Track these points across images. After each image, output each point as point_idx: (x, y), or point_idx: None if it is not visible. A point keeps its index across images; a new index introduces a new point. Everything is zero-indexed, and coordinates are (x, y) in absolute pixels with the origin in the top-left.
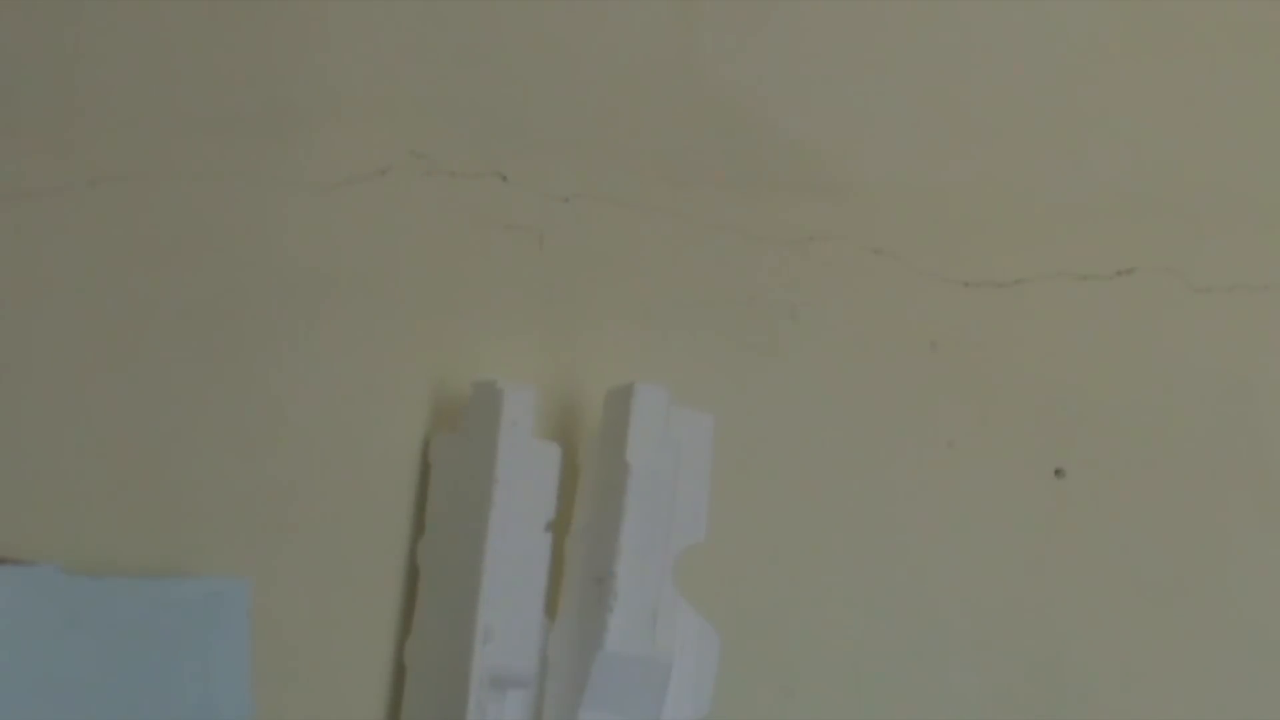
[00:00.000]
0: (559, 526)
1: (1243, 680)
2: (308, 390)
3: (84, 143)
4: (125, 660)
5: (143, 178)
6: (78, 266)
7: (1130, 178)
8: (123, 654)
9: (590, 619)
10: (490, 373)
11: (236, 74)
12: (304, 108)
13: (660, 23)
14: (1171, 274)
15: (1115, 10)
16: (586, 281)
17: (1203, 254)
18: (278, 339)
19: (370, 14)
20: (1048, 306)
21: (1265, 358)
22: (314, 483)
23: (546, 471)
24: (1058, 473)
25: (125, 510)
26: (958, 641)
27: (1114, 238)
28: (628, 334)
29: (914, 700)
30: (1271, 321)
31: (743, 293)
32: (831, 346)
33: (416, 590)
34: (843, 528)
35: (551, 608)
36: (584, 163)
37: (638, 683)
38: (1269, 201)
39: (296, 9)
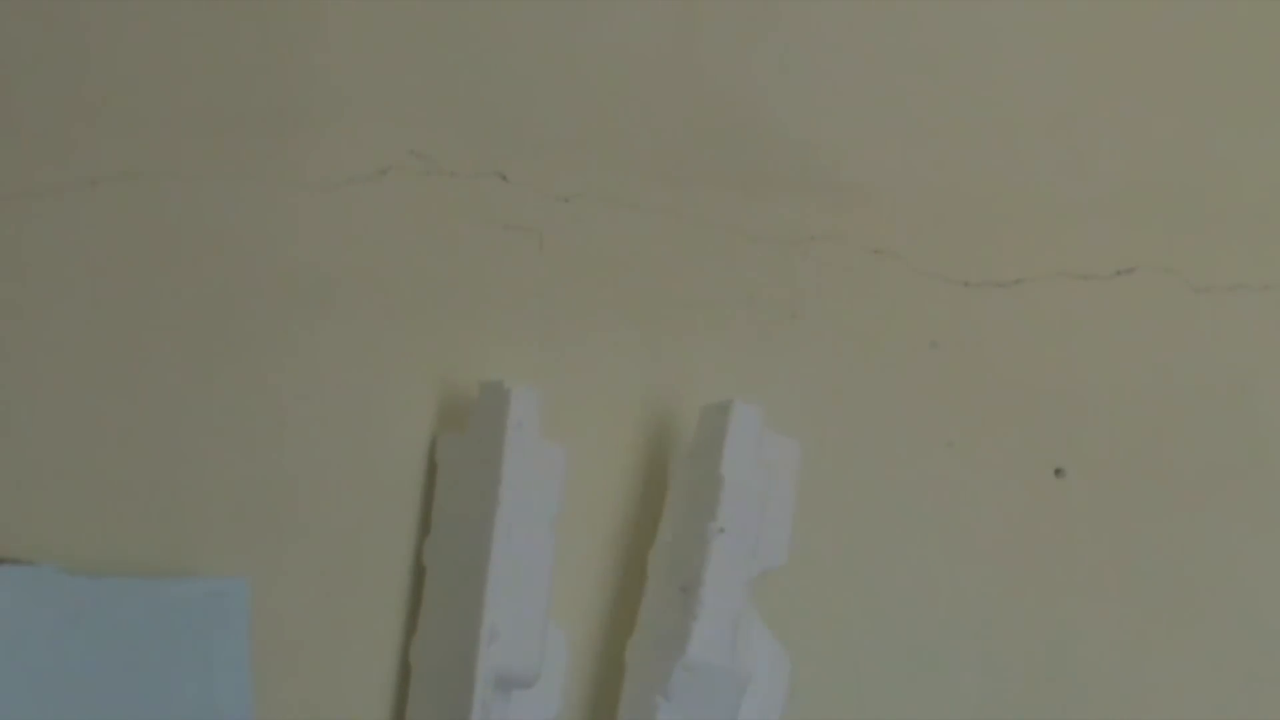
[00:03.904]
0: (573, 529)
1: (1242, 680)
2: (309, 390)
3: (84, 142)
4: (125, 660)
5: (143, 177)
6: (78, 266)
7: (1130, 178)
8: (123, 654)
9: (673, 626)
10: (490, 373)
11: (237, 74)
12: (304, 108)
13: (660, 23)
14: (1171, 274)
15: (1115, 10)
16: (587, 281)
17: (1203, 254)
18: (279, 339)
19: (370, 14)
20: (1048, 306)
21: (1265, 358)
22: (318, 483)
23: (552, 472)
24: (1058, 473)
25: (125, 510)
26: (958, 641)
27: (1114, 238)
28: (627, 334)
29: (914, 700)
30: (1271, 321)
31: (743, 293)
32: (831, 347)
33: (422, 590)
34: (841, 527)
35: (556, 608)
36: (584, 163)
37: (716, 692)
38: (1269, 201)
39: (296, 9)
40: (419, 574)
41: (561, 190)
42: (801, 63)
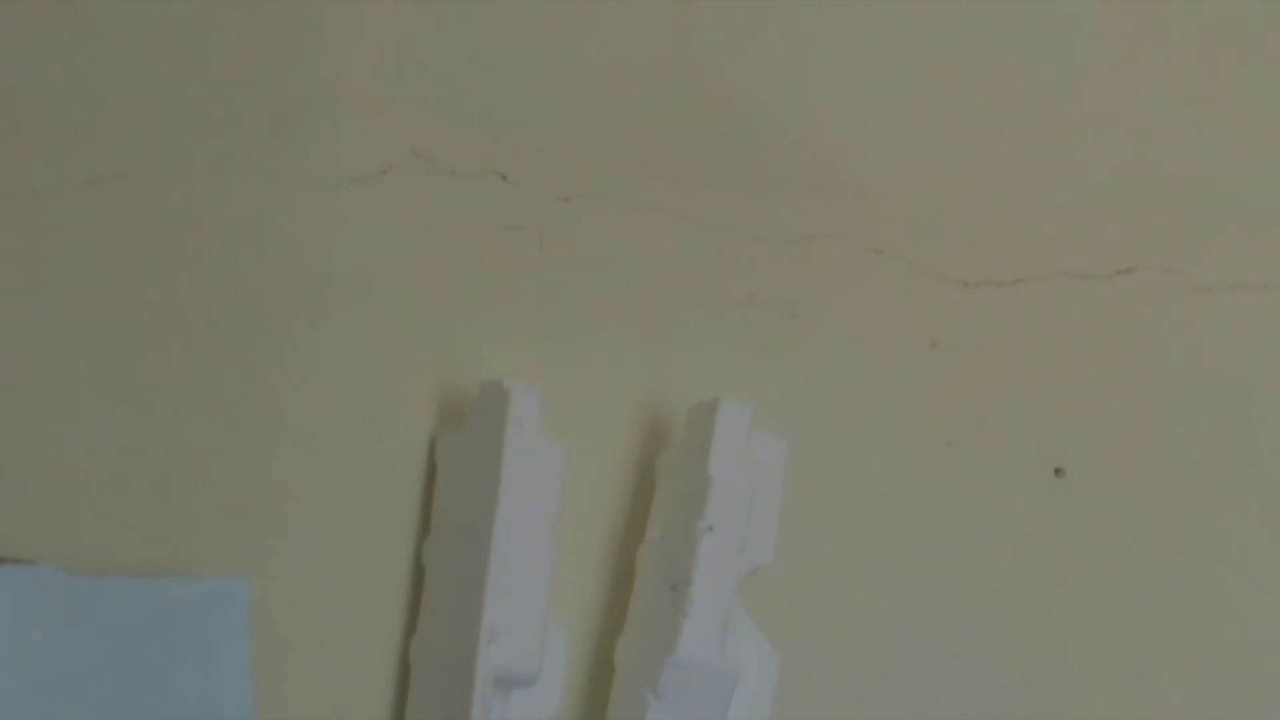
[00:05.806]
0: (574, 529)
1: (1242, 680)
2: (309, 390)
3: (83, 141)
4: (125, 660)
5: (143, 177)
6: (78, 266)
7: (1130, 178)
8: (123, 654)
9: (662, 625)
10: (489, 372)
11: (236, 73)
12: (304, 108)
13: (660, 23)
14: (1171, 274)
15: (1115, 10)
16: (587, 281)
17: (1203, 254)
18: (279, 339)
19: (370, 14)
20: (1048, 306)
21: (1265, 358)
22: (317, 483)
23: (552, 471)
24: (1058, 473)
25: (125, 510)
26: (958, 641)
27: (1114, 238)
28: (627, 334)
29: (914, 700)
30: (1271, 321)
31: (743, 293)
32: (831, 346)
33: (422, 590)
34: (841, 527)
35: (557, 608)
36: (584, 163)
37: (706, 690)
38: (1269, 201)
39: (296, 9)
40: (419, 574)
41: (561, 190)
42: (801, 63)
